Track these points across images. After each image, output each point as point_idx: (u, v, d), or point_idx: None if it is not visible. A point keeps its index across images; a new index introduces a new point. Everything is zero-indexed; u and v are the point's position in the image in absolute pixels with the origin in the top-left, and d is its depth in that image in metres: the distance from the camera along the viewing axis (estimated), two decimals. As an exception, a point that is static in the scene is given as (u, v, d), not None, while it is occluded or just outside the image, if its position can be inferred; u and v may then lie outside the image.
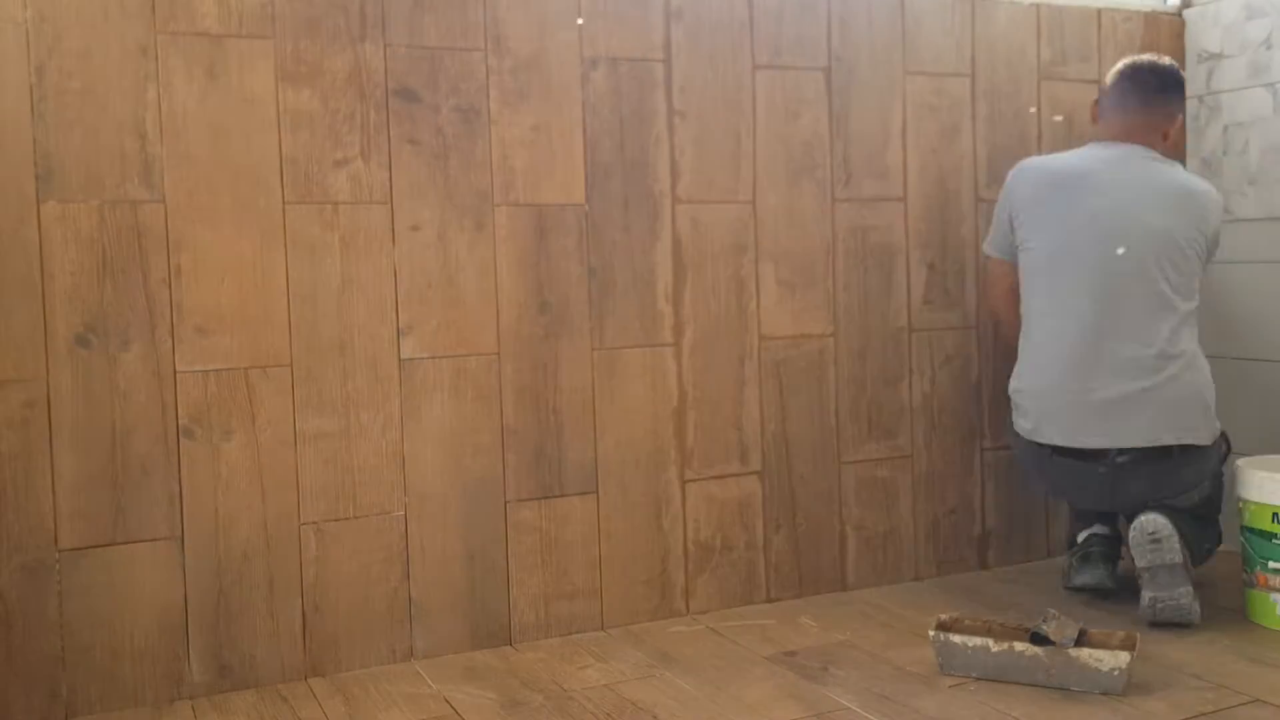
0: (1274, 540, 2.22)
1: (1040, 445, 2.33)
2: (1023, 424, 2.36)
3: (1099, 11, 2.80)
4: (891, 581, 2.60)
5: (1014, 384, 2.39)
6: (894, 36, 2.57)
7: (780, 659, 2.14)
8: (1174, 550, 2.17)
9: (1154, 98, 2.40)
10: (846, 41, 2.52)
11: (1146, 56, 2.46)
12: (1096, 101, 2.50)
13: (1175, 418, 2.25)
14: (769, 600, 2.48)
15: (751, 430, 2.45)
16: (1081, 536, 2.45)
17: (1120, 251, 2.26)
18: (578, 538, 2.30)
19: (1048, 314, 2.32)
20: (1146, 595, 2.21)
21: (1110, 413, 2.25)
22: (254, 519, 2.05)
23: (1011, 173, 2.44)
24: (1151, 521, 2.18)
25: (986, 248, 2.52)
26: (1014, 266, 2.42)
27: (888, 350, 2.59)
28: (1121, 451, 2.25)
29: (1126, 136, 2.38)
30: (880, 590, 2.55)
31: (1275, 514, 2.22)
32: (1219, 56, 2.82)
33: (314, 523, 2.09)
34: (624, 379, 2.33)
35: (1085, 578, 2.38)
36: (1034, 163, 2.43)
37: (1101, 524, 2.44)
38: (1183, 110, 2.51)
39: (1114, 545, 2.43)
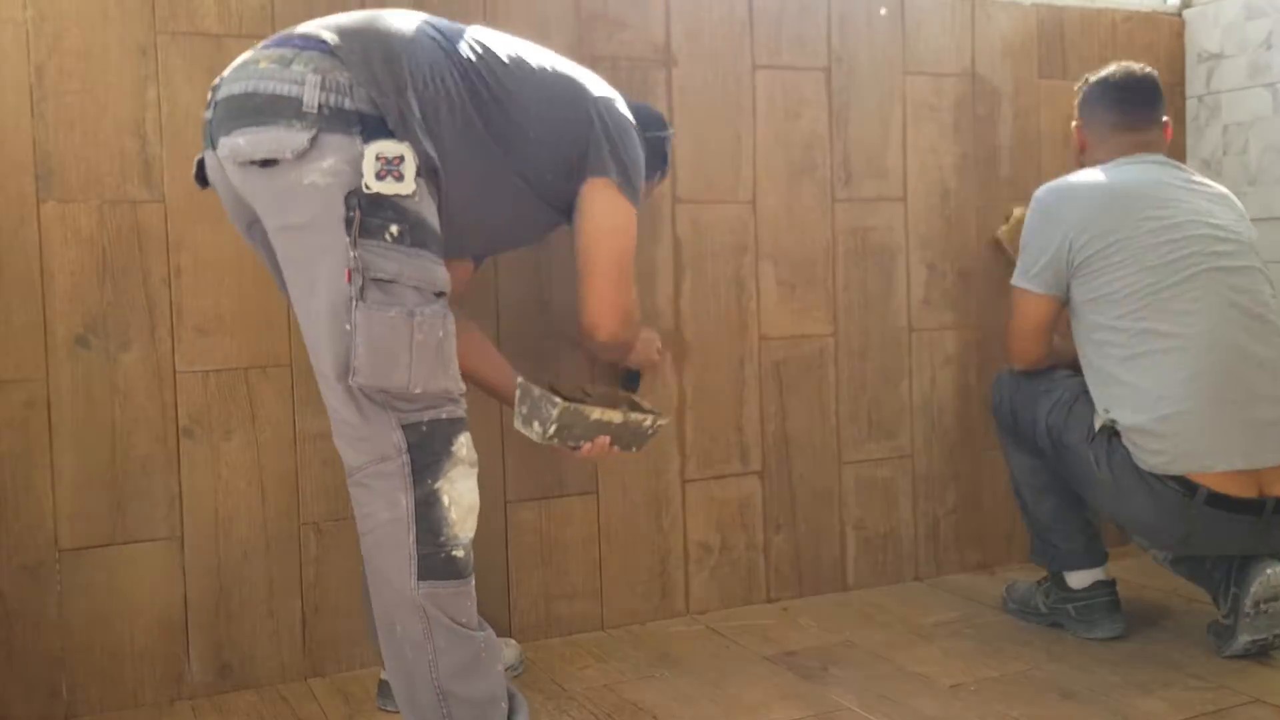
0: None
1: (1181, 488, 2.00)
2: (1153, 460, 2.01)
3: (1099, 11, 2.80)
4: (891, 581, 2.59)
5: (1133, 418, 2.02)
6: (894, 36, 2.56)
7: (780, 659, 2.14)
8: None
9: (1157, 106, 2.22)
10: (846, 41, 2.51)
11: (1120, 69, 2.24)
12: (1079, 127, 2.28)
13: None
14: (769, 600, 2.48)
15: (751, 430, 2.45)
16: (1082, 584, 2.23)
17: (1238, 264, 2.06)
18: (578, 538, 2.30)
19: (1158, 336, 2.02)
20: (1244, 639, 2.03)
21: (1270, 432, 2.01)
22: (254, 519, 2.05)
23: (1047, 197, 2.16)
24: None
25: (1023, 282, 2.16)
26: (1056, 301, 2.14)
27: (888, 350, 2.58)
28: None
29: (1146, 148, 2.18)
30: (880, 590, 2.55)
31: None
32: (1219, 56, 2.82)
33: (314, 523, 2.09)
34: (624, 379, 2.32)
35: (1101, 633, 2.19)
36: (1075, 184, 2.15)
37: (1100, 568, 2.24)
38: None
39: (1115, 589, 2.23)
